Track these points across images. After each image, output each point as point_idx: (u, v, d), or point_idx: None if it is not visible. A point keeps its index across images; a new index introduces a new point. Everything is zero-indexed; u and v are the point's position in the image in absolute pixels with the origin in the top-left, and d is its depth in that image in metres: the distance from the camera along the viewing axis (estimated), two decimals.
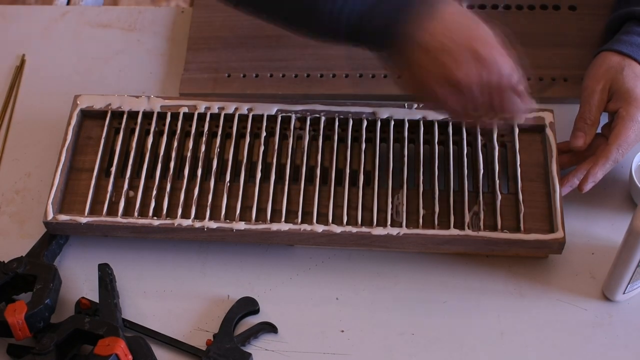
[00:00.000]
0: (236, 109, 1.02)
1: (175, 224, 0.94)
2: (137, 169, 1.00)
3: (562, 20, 1.13)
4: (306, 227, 0.94)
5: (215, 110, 1.02)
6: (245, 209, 0.97)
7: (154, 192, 0.97)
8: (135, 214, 0.96)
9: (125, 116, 1.03)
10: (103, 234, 0.97)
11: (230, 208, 0.96)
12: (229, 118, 1.02)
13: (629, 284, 0.89)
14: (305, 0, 0.88)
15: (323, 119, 1.01)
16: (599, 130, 0.98)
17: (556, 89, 1.08)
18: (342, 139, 1.01)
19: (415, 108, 1.01)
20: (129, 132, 1.03)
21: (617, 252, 0.87)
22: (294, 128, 1.01)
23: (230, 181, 0.98)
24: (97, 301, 0.93)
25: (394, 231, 0.93)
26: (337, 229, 0.93)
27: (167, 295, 0.95)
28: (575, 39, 1.11)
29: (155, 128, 1.02)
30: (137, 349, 0.88)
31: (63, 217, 0.95)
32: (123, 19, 1.19)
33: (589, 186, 0.93)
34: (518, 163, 0.97)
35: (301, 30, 0.92)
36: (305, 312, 0.94)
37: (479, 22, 0.86)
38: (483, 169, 0.98)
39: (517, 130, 0.99)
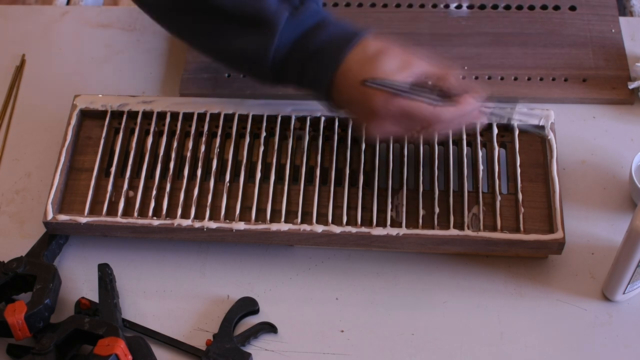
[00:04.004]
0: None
1: (175, 224, 0.94)
2: (136, 169, 1.01)
3: (562, 20, 1.13)
4: (306, 227, 0.94)
5: (215, 111, 1.02)
6: (245, 209, 0.97)
7: (154, 192, 0.97)
8: (135, 214, 0.96)
9: (125, 116, 1.03)
10: (103, 234, 0.97)
11: (230, 208, 0.96)
12: (228, 118, 1.02)
13: (629, 284, 0.89)
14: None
15: (323, 119, 1.01)
16: None
17: (556, 89, 1.08)
18: (342, 139, 1.01)
19: None
20: (129, 132, 1.03)
21: (617, 252, 0.87)
22: (294, 128, 1.01)
23: (230, 181, 0.98)
24: (97, 301, 0.93)
25: (394, 231, 0.93)
26: (337, 229, 0.93)
27: (167, 295, 0.95)
28: (575, 39, 1.11)
29: (155, 128, 1.02)
30: (137, 349, 0.88)
31: (63, 217, 0.95)
32: (123, 19, 1.19)
33: None
34: (518, 163, 0.97)
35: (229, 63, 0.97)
36: (305, 312, 0.94)
37: (376, 60, 0.88)
38: (483, 169, 0.98)
39: (517, 131, 0.99)
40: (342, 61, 0.88)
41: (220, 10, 0.91)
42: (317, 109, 1.01)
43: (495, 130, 0.99)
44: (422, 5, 1.16)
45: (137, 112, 1.03)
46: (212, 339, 0.91)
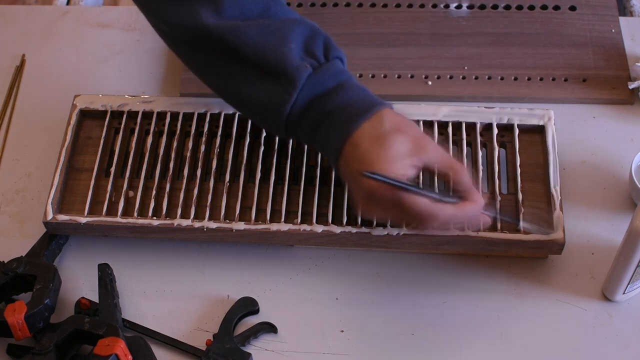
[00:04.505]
0: None
1: (175, 224, 0.94)
2: (136, 169, 1.00)
3: (562, 20, 1.13)
4: (306, 227, 0.93)
5: (215, 111, 1.02)
6: (245, 209, 0.97)
7: (154, 192, 0.97)
8: (135, 214, 0.96)
9: (124, 116, 1.03)
10: (103, 234, 0.97)
11: (230, 208, 0.96)
12: (229, 118, 1.02)
13: (629, 284, 0.89)
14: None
15: None
16: None
17: (556, 89, 1.08)
18: None
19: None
20: (129, 132, 1.03)
21: (617, 252, 0.87)
22: None
23: (229, 181, 0.98)
24: (97, 301, 0.93)
25: (394, 231, 0.93)
26: (337, 229, 0.93)
27: (167, 295, 0.95)
28: (575, 39, 1.11)
29: (155, 128, 1.02)
30: (137, 349, 0.88)
31: (63, 217, 0.95)
32: (123, 19, 1.19)
33: None
34: (518, 163, 0.97)
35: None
36: (305, 312, 0.94)
37: (386, 139, 0.84)
38: (483, 169, 0.98)
39: (517, 131, 0.99)
40: (354, 130, 0.85)
41: (240, 54, 0.87)
42: None
43: (495, 130, 0.99)
44: (422, 5, 1.16)
45: (137, 112, 1.03)
46: (212, 339, 0.91)
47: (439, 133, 1.00)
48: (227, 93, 0.92)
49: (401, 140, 0.84)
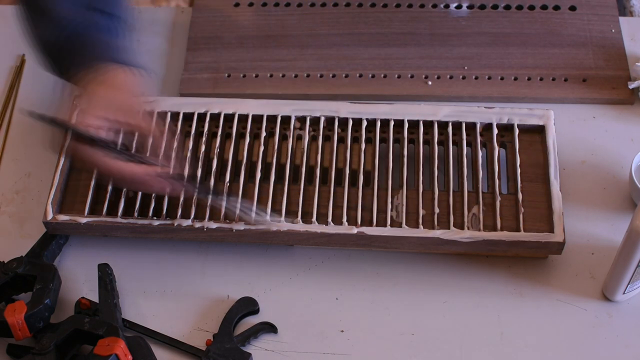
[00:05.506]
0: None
1: (175, 224, 0.94)
2: None
3: (562, 20, 1.13)
4: (306, 227, 0.93)
5: (215, 111, 1.02)
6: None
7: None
8: (135, 214, 0.96)
9: None
10: (103, 234, 0.97)
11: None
12: (228, 118, 1.02)
13: (629, 284, 0.89)
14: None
15: (323, 119, 1.01)
16: None
17: (556, 89, 1.08)
18: (342, 139, 1.01)
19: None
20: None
21: (617, 252, 0.87)
22: (294, 128, 1.01)
23: (229, 181, 0.98)
24: (97, 301, 0.93)
25: (394, 231, 0.93)
26: (337, 229, 0.93)
27: (167, 295, 0.95)
28: (575, 39, 1.11)
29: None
30: (137, 349, 0.88)
31: (63, 217, 0.95)
32: None
33: None
34: (518, 163, 0.97)
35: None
36: (305, 312, 0.94)
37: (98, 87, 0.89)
38: (483, 169, 0.98)
39: (517, 131, 0.99)
40: (74, 74, 0.91)
41: None
42: (317, 108, 1.01)
43: (495, 130, 0.99)
44: (422, 5, 1.16)
45: None
46: (212, 339, 0.91)
47: (439, 133, 1.00)
48: (30, 38, 0.97)
49: (101, 94, 0.88)
